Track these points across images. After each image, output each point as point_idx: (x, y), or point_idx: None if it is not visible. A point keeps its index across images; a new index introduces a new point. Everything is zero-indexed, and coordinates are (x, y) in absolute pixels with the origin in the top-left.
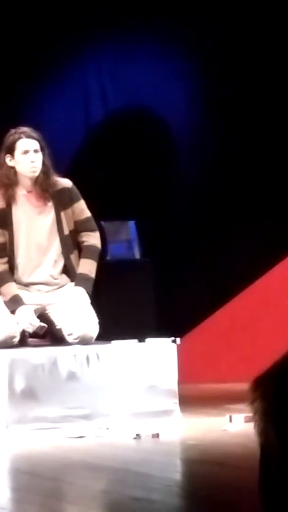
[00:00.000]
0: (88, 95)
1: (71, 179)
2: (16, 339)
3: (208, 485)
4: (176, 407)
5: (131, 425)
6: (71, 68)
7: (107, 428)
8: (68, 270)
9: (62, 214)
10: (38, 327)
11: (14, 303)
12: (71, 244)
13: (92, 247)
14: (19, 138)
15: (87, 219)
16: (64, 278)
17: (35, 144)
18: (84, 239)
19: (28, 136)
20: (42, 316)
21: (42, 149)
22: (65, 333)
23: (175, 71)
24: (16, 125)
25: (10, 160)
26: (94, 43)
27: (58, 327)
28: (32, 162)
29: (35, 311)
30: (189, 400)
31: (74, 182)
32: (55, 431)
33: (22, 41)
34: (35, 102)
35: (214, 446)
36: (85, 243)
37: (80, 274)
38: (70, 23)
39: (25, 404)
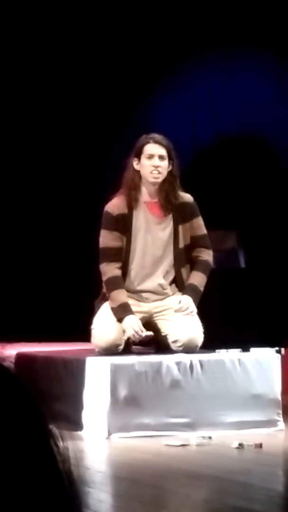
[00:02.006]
0: (196, 111)
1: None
2: (121, 347)
3: None
4: (280, 417)
5: (234, 434)
6: (182, 83)
7: (210, 437)
8: (177, 282)
9: (180, 227)
10: (144, 336)
11: (122, 311)
12: (184, 258)
13: (205, 262)
14: (147, 142)
15: (203, 236)
16: (173, 288)
17: (162, 151)
18: (198, 254)
19: (156, 142)
20: (148, 323)
21: (170, 157)
22: (170, 340)
23: (284, 89)
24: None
25: (137, 164)
26: (204, 60)
27: (163, 334)
28: (155, 167)
29: (142, 318)
30: None
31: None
32: (157, 439)
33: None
34: (148, 118)
35: None
36: (199, 258)
37: (190, 284)
38: (184, 39)
39: (127, 411)
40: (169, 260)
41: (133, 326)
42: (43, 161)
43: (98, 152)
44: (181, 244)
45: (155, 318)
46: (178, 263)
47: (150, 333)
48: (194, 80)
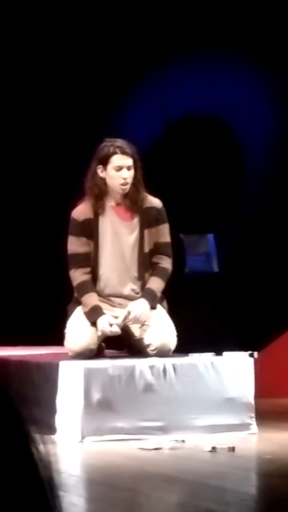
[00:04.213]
0: (168, 103)
1: (150, 192)
2: (94, 352)
3: (284, 500)
4: (253, 421)
5: (207, 438)
6: (153, 78)
7: (183, 441)
8: (143, 285)
9: (146, 232)
10: (116, 331)
11: (94, 314)
12: (148, 262)
13: (165, 270)
14: (114, 153)
15: (166, 243)
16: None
17: (129, 161)
18: (158, 260)
19: (123, 153)
20: (122, 328)
21: (135, 163)
22: (143, 344)
23: (252, 82)
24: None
25: (102, 171)
26: (177, 54)
27: (136, 338)
28: (123, 179)
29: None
30: (266, 414)
31: (153, 195)
32: (130, 442)
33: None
34: (118, 110)
35: None
36: (159, 265)
37: (148, 288)
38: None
39: (101, 415)
40: (136, 264)
41: (106, 325)
42: (13, 164)
43: (70, 150)
44: (146, 249)
45: (128, 323)
46: (142, 268)
47: (122, 317)
48: (168, 76)
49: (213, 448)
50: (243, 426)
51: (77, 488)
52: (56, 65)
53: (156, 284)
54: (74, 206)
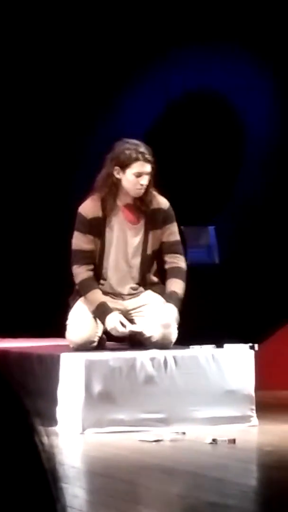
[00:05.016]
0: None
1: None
2: (95, 344)
3: (284, 492)
4: (253, 413)
5: (208, 430)
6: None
7: (183, 433)
8: (143, 287)
9: (151, 234)
10: (129, 332)
11: (101, 311)
12: (151, 263)
13: (182, 269)
14: (137, 159)
15: (176, 242)
16: (142, 288)
17: (149, 168)
18: (172, 260)
19: (146, 160)
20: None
21: (152, 168)
22: (144, 336)
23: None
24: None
25: (118, 173)
26: (178, 42)
27: (138, 330)
28: (141, 185)
29: None
30: (266, 407)
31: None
32: (131, 434)
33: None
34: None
35: None
36: (175, 265)
37: (173, 292)
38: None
39: (101, 407)
40: (138, 265)
41: (117, 325)
42: (15, 159)
43: (72, 145)
44: (149, 251)
45: (130, 314)
46: (143, 269)
47: (137, 328)
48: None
49: (213, 440)
50: (244, 418)
51: (78, 480)
52: (56, 47)
53: (179, 285)
54: (80, 198)
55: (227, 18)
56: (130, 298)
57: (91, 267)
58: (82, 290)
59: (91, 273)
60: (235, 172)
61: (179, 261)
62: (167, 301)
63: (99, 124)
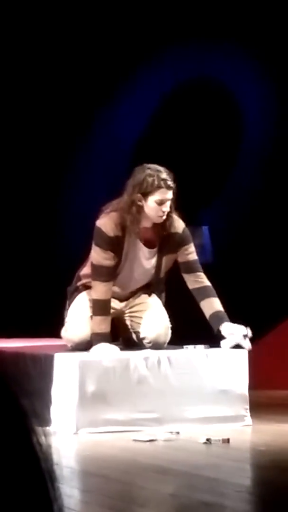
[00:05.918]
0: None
1: None
2: (91, 343)
3: (278, 491)
4: (247, 412)
5: (201, 430)
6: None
7: (177, 433)
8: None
9: (164, 258)
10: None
11: (100, 338)
12: (162, 284)
13: (211, 287)
14: (160, 187)
15: (196, 261)
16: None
17: (171, 194)
18: (197, 279)
19: (168, 187)
20: (119, 319)
21: (173, 193)
22: (138, 337)
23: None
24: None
25: (140, 200)
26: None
27: (132, 331)
28: (163, 212)
29: (112, 313)
30: (260, 406)
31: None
32: (125, 434)
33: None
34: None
35: (284, 452)
36: (203, 284)
37: (219, 312)
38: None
39: (95, 407)
40: (146, 283)
41: (105, 352)
42: (15, 159)
43: (70, 145)
44: (162, 274)
45: (125, 315)
46: (153, 288)
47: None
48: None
49: (207, 440)
50: (238, 418)
51: (72, 480)
52: (55, 46)
53: (219, 303)
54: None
55: (220, 10)
56: (127, 299)
57: (110, 284)
58: (94, 308)
59: (109, 294)
60: (229, 171)
61: (204, 280)
62: (222, 321)
63: (96, 124)
